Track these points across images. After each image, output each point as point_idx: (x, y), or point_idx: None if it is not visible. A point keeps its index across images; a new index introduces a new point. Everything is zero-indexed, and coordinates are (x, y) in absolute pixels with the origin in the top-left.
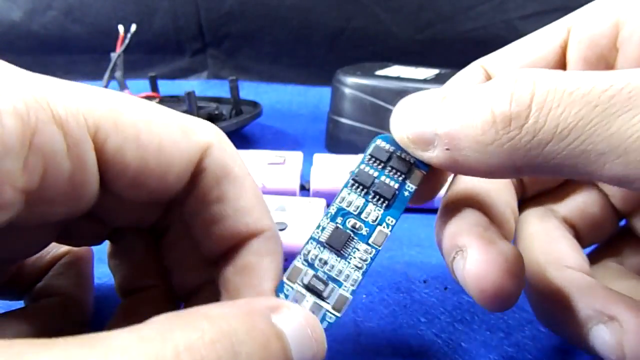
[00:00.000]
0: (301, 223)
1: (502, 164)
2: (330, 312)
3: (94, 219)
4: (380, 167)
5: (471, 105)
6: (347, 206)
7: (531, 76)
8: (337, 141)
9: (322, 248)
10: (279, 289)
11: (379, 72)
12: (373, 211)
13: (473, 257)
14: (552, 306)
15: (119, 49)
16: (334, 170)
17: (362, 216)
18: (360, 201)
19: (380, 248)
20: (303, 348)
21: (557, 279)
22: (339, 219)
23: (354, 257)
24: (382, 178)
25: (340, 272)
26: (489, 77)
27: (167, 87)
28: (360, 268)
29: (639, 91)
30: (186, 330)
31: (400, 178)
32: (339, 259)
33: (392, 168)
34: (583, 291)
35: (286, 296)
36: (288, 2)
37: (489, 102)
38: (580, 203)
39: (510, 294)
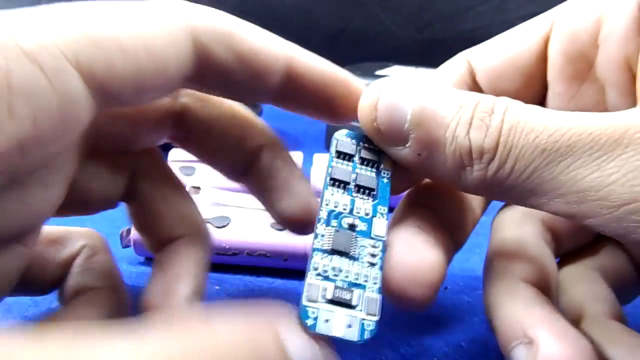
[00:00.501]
0: None
1: (467, 184)
2: (367, 319)
3: (104, 167)
4: (351, 160)
5: (452, 125)
6: (336, 207)
7: (502, 108)
8: None
9: (330, 256)
10: (302, 316)
11: (379, 72)
12: (363, 205)
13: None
14: (489, 318)
15: None
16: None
17: (355, 213)
18: (347, 199)
19: (385, 238)
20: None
21: (500, 294)
22: (334, 222)
23: (365, 255)
24: (358, 170)
25: (358, 274)
26: (472, 71)
27: None
28: (374, 264)
29: (578, 138)
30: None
31: (374, 166)
32: (350, 261)
33: (363, 159)
34: (517, 309)
35: (314, 320)
36: (288, 2)
37: (467, 131)
38: None
39: None
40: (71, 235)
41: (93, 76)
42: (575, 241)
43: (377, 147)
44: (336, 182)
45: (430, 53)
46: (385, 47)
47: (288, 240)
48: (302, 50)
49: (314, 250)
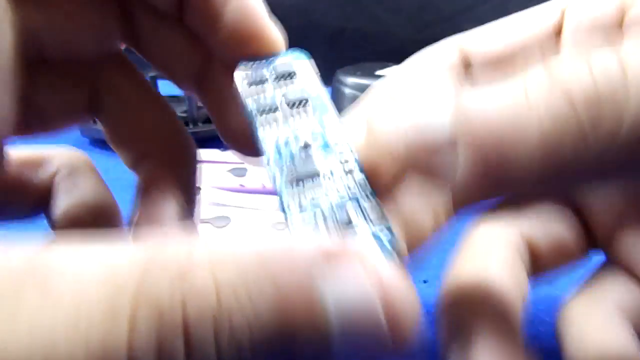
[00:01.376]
0: None
1: (578, 162)
2: (379, 229)
3: (61, 78)
4: (266, 83)
5: (520, 86)
6: (279, 137)
7: (612, 48)
8: None
9: (300, 187)
10: None
11: (379, 72)
12: (305, 121)
13: None
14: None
15: None
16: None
17: (302, 134)
18: (285, 125)
19: (348, 143)
20: (357, 324)
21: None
22: (285, 151)
23: (336, 167)
24: (280, 88)
25: (341, 188)
26: (467, 60)
27: (167, 87)
28: (351, 170)
29: None
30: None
31: (294, 78)
32: (324, 179)
33: (280, 74)
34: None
35: None
36: (288, 2)
37: (558, 82)
38: (545, 220)
39: None
40: (49, 155)
41: None
42: (557, 260)
43: (289, 63)
44: (264, 111)
45: None
46: (385, 47)
47: None
48: None
49: (279, 191)
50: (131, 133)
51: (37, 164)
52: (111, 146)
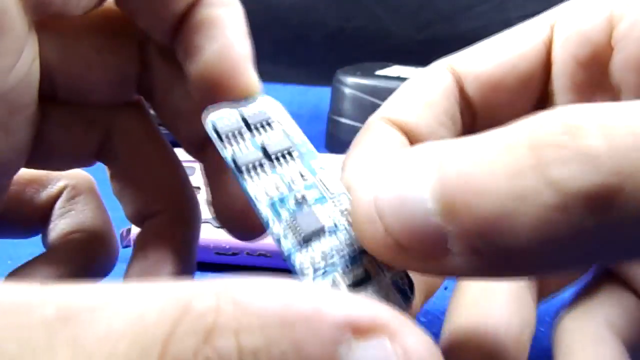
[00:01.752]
0: None
1: (584, 251)
2: (397, 278)
3: (75, 119)
4: (242, 136)
5: (505, 168)
6: (271, 193)
7: (583, 115)
8: (337, 141)
9: (307, 246)
10: None
11: (379, 72)
12: (293, 171)
13: None
14: None
15: None
16: (334, 170)
17: (293, 185)
18: (274, 178)
19: (344, 191)
20: None
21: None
22: (282, 210)
23: (339, 218)
24: (262, 139)
25: (350, 242)
26: (460, 81)
27: None
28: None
29: None
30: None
31: (271, 125)
32: (331, 235)
33: (255, 125)
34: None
35: None
36: (288, 2)
37: (547, 174)
38: None
39: None
40: (51, 175)
41: None
42: (564, 281)
43: (263, 110)
44: (248, 168)
45: (430, 53)
46: (385, 47)
47: None
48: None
49: (288, 254)
50: (137, 185)
51: (40, 183)
52: (114, 194)
